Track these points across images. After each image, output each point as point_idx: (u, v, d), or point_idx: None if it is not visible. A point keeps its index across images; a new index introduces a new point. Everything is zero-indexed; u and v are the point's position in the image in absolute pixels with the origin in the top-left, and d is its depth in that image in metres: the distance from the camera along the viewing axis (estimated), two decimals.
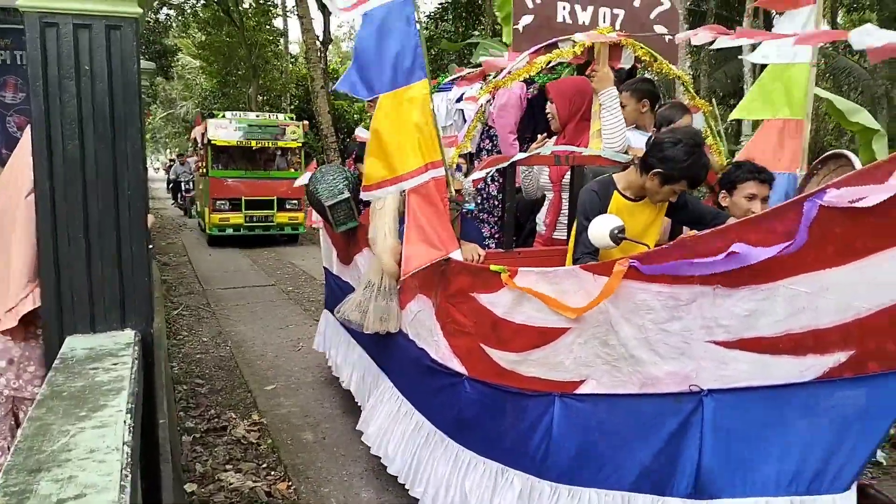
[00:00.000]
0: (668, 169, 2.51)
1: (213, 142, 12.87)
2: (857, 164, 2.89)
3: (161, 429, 2.55)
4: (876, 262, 1.67)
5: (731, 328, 1.94)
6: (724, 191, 2.97)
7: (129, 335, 2.28)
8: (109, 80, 2.19)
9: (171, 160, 30.45)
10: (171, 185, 22.94)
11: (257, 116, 13.90)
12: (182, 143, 41.89)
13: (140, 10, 2.19)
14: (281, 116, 14.33)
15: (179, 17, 24.71)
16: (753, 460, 2.05)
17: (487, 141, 4.21)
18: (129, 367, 1.97)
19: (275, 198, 13.12)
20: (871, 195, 1.59)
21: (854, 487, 1.95)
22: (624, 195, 2.74)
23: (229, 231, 12.96)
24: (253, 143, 13.25)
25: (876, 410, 1.87)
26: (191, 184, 18.76)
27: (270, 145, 13.62)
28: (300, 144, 13.87)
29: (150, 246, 2.52)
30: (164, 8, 23.14)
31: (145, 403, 2.18)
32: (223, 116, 13.31)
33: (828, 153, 3.24)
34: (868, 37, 2.17)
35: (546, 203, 3.70)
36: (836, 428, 1.94)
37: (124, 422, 1.58)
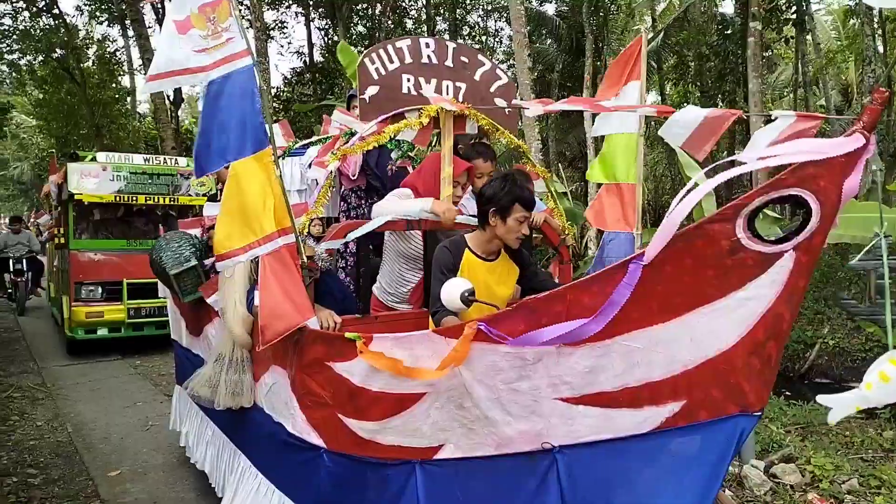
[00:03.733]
0: (497, 202, 2.67)
1: (76, 197, 8.44)
2: None
3: None
4: (694, 319, 1.82)
5: (575, 384, 2.02)
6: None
7: None
8: None
9: None
10: None
11: (146, 161, 9.32)
12: (17, 206, 38.44)
13: None
14: (182, 161, 9.52)
15: (13, 74, 22.90)
16: None
17: (343, 203, 4.20)
18: None
19: None
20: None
21: None
22: (475, 254, 2.82)
23: (103, 332, 8.56)
24: (140, 198, 8.91)
25: (711, 455, 2.01)
26: (22, 262, 12.51)
27: (167, 202, 9.21)
28: None
29: None
30: None
31: None
32: (93, 159, 8.95)
33: None
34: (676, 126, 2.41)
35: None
36: (678, 474, 2.05)
37: None
